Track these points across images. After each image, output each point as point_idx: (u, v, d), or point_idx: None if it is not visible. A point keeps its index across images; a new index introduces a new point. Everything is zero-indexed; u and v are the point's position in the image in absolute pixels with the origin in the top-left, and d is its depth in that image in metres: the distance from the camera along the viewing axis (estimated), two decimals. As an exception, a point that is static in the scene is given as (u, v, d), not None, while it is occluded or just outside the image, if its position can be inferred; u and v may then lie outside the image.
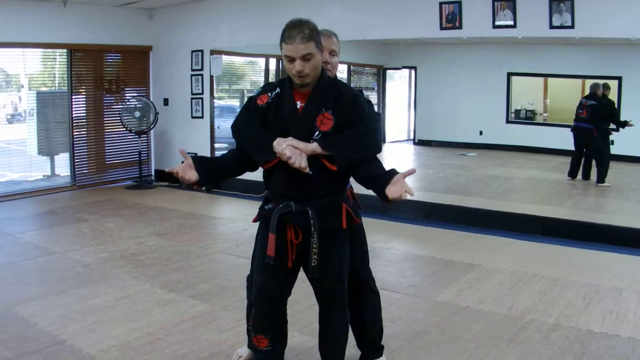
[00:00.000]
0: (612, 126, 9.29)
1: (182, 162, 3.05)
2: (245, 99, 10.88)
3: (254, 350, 3.28)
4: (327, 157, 2.92)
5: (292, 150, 2.84)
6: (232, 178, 3.28)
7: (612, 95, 9.44)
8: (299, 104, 2.99)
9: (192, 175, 3.00)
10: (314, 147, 2.89)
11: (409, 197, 2.85)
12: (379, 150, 3.08)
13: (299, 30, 2.84)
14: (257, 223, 3.28)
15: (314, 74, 2.92)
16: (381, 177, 2.93)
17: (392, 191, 2.84)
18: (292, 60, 2.87)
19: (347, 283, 3.20)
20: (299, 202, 2.99)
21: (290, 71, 2.91)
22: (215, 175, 3.14)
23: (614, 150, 9.27)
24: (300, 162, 2.83)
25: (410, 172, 2.92)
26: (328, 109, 2.96)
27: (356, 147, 2.97)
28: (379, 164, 3.03)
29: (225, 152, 3.23)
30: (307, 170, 2.86)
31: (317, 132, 2.95)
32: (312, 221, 2.97)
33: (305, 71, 2.87)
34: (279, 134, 2.95)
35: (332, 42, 3.33)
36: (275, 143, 2.89)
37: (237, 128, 3.13)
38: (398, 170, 2.93)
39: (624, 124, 9.08)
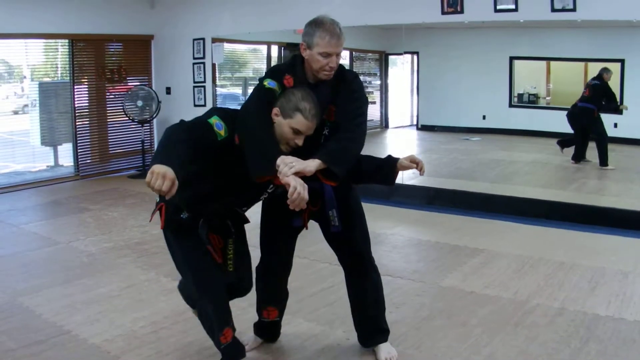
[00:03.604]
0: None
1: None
2: (248, 87, 10.89)
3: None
4: (325, 172, 2.97)
5: (297, 181, 2.79)
6: None
7: (615, 78, 9.39)
8: None
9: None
10: (316, 164, 2.90)
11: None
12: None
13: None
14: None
15: None
16: (381, 167, 3.26)
17: (406, 164, 3.19)
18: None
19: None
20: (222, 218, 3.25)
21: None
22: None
23: (618, 132, 9.22)
24: (305, 195, 2.79)
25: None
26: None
27: (353, 156, 3.10)
28: (366, 156, 3.28)
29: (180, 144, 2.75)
30: (304, 203, 2.85)
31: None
32: (232, 230, 3.32)
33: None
34: None
35: (342, 43, 3.09)
36: (280, 161, 2.83)
37: (248, 118, 3.01)
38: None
39: (618, 107, 9.06)
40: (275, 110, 2.98)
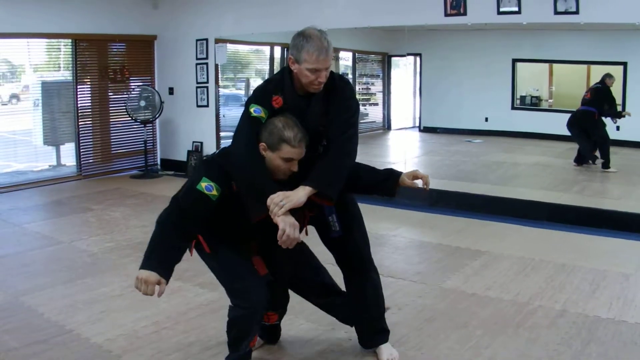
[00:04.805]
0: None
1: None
2: (250, 88, 10.90)
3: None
4: (319, 194, 2.99)
5: (286, 222, 2.86)
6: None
7: (618, 80, 9.40)
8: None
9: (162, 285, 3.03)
10: (306, 193, 2.94)
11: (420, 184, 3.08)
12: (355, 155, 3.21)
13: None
14: None
15: None
16: (383, 182, 3.31)
17: (408, 183, 3.29)
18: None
19: None
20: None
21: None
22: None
23: (620, 135, 9.23)
24: (294, 235, 2.89)
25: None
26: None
27: (344, 173, 3.10)
28: (367, 168, 3.35)
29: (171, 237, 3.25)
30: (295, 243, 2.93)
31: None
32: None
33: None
34: None
35: (330, 57, 3.06)
36: (269, 202, 2.89)
37: (239, 160, 3.02)
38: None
39: (619, 114, 9.11)
40: (262, 145, 2.98)
